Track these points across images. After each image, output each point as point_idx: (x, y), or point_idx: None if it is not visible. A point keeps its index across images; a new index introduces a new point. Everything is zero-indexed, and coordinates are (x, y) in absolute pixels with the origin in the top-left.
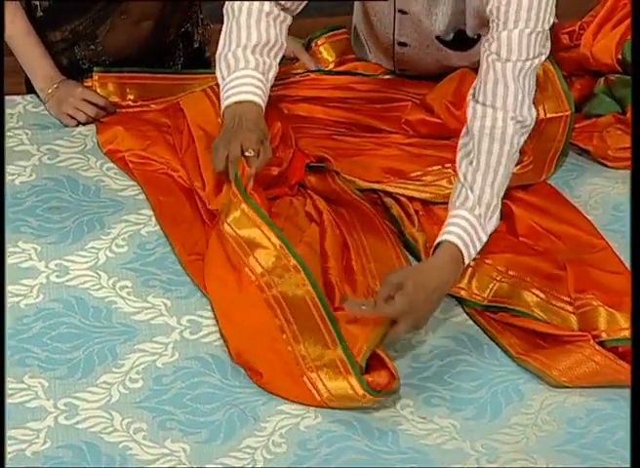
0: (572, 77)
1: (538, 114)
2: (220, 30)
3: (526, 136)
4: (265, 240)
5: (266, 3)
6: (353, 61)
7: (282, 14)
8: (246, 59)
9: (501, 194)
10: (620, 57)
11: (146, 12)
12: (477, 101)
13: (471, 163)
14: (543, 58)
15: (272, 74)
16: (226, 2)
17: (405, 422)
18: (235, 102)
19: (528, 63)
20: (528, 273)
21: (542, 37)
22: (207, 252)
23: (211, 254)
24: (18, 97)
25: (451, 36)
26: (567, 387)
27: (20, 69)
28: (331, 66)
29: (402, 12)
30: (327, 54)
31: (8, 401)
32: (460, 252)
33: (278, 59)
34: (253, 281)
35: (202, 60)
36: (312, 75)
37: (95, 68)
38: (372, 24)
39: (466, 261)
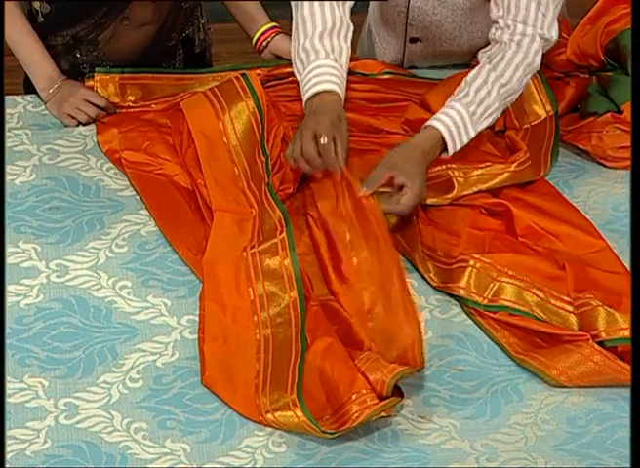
0: (566, 77)
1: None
2: (222, 30)
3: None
4: (283, 290)
5: None
6: (354, 61)
7: None
8: (315, 50)
9: (506, 102)
10: (605, 44)
11: (148, 17)
12: (506, 18)
13: (489, 62)
14: None
15: (345, 57)
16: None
17: (404, 422)
18: (310, 97)
19: None
20: (527, 273)
21: None
22: (214, 269)
23: (218, 274)
24: (18, 97)
25: None
26: (566, 387)
27: (20, 69)
28: None
29: None
30: None
31: (8, 400)
32: (443, 139)
33: (349, 41)
34: (250, 316)
35: (203, 65)
36: None
37: (96, 69)
38: None
39: (450, 152)
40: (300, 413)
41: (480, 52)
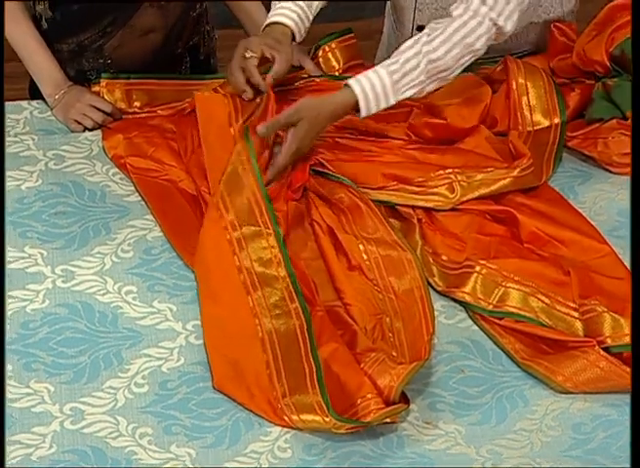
0: (571, 83)
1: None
2: (226, 36)
3: (499, 40)
4: (276, 280)
5: None
6: (360, 67)
7: None
8: None
9: (437, 77)
10: (611, 50)
11: (154, 25)
12: None
13: (428, 35)
14: None
15: (316, 6)
16: None
17: (410, 427)
18: (266, 26)
19: None
20: (533, 278)
21: None
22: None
23: (212, 274)
24: (24, 103)
25: None
26: (572, 393)
27: (26, 74)
28: (337, 73)
29: None
30: (334, 59)
31: (14, 405)
32: (358, 103)
33: (321, 3)
34: (252, 314)
35: (209, 72)
36: (317, 80)
37: (102, 75)
38: None
39: (362, 115)
40: (327, 419)
41: (429, 25)
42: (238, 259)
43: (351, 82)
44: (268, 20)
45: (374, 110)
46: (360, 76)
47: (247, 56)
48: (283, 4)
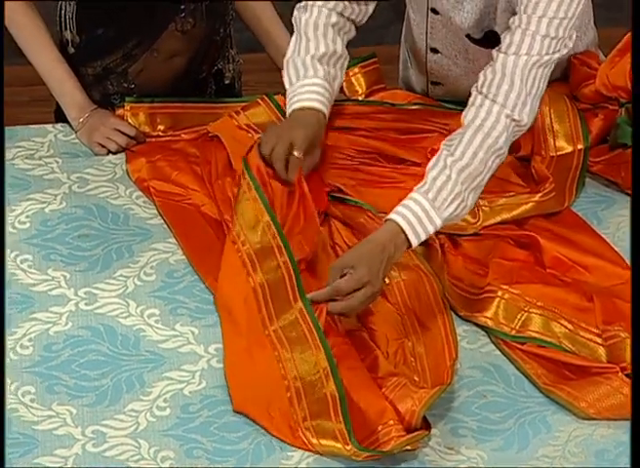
0: (595, 109)
1: (538, 119)
2: (250, 60)
3: (518, 135)
4: (295, 311)
5: (333, 14)
6: (382, 91)
7: (347, 24)
8: (314, 68)
9: (472, 186)
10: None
11: (178, 49)
12: (480, 92)
13: (447, 150)
14: (557, 56)
15: (337, 84)
16: (294, 12)
17: (432, 453)
18: (299, 109)
19: (536, 59)
20: (556, 304)
21: (560, 39)
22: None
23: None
24: (49, 126)
25: (481, 35)
26: (595, 419)
27: (52, 98)
28: (361, 97)
29: (434, 11)
30: (357, 84)
31: (37, 428)
32: (404, 232)
33: (343, 71)
34: (269, 342)
35: (233, 96)
36: (340, 105)
37: (126, 98)
38: (411, 32)
39: (414, 243)
40: (348, 447)
41: (442, 143)
42: (253, 281)
43: (390, 215)
44: (301, 104)
45: (423, 236)
46: (397, 207)
47: (296, 154)
48: (311, 85)
